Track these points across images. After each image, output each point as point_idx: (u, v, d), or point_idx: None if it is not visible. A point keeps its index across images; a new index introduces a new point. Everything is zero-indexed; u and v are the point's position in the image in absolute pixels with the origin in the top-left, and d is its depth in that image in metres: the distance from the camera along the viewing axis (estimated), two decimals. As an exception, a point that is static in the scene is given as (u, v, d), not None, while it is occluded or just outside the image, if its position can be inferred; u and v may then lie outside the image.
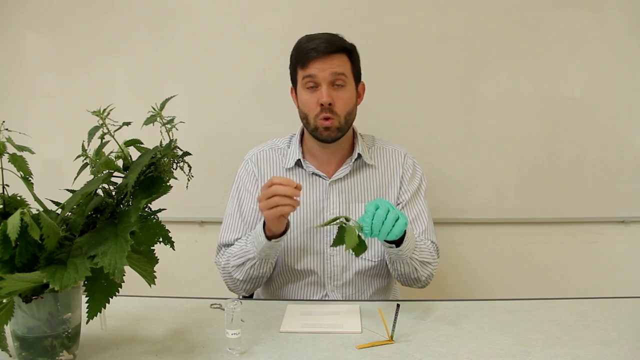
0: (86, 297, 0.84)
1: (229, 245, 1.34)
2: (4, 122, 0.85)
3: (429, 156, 1.82)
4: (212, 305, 1.19)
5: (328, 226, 1.33)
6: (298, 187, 1.12)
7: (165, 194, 0.89)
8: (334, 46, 1.28)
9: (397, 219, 1.08)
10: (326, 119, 1.27)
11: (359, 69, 1.36)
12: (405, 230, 1.13)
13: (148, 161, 0.90)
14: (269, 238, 1.19)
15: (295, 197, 1.12)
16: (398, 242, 1.18)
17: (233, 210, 1.38)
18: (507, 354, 0.95)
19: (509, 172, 1.91)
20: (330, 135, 1.29)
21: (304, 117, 1.33)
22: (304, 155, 1.38)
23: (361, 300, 1.34)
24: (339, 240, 1.07)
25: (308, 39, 1.30)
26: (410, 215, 1.36)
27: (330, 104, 1.26)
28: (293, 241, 1.34)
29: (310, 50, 1.27)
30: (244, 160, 1.43)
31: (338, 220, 1.07)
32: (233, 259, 1.28)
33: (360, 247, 1.05)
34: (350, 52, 1.31)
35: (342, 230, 1.07)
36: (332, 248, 1.33)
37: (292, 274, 1.37)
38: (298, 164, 1.37)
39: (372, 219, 1.06)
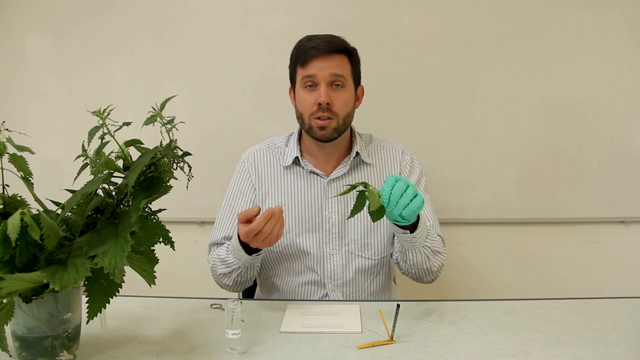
0: (86, 297, 0.84)
1: (217, 244, 1.35)
2: (4, 122, 0.85)
3: (429, 156, 1.82)
4: (212, 305, 1.19)
5: (328, 226, 1.33)
6: (280, 210, 1.11)
7: (165, 194, 0.89)
8: (335, 46, 1.28)
9: (416, 196, 1.07)
10: (323, 118, 1.27)
11: (358, 72, 1.36)
12: (418, 215, 1.12)
13: (148, 161, 0.90)
14: (248, 252, 1.19)
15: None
16: (411, 228, 1.17)
17: (225, 210, 1.38)
18: (507, 354, 0.95)
19: (509, 172, 1.91)
20: (326, 135, 1.29)
21: (299, 117, 1.33)
22: (302, 154, 1.38)
23: (361, 300, 1.34)
24: (357, 208, 1.04)
25: (309, 38, 1.31)
26: None
27: (328, 104, 1.26)
28: (292, 240, 1.34)
29: (311, 49, 1.27)
30: (240, 160, 1.43)
31: (357, 188, 1.04)
32: (220, 267, 1.28)
33: (379, 212, 1.02)
34: (350, 54, 1.32)
35: (362, 196, 1.04)
36: (332, 247, 1.34)
37: (292, 274, 1.37)
38: (296, 162, 1.37)
39: (392, 189, 1.05)
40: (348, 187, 1.04)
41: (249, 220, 1.11)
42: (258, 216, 1.10)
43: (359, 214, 1.05)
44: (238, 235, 1.17)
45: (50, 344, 0.87)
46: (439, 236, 1.34)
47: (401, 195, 1.05)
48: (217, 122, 1.91)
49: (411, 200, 1.05)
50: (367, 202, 1.03)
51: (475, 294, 1.99)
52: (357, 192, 1.05)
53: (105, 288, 0.84)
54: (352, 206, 1.33)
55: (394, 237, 1.34)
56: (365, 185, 1.04)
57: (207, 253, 1.38)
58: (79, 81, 1.91)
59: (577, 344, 0.99)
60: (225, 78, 1.88)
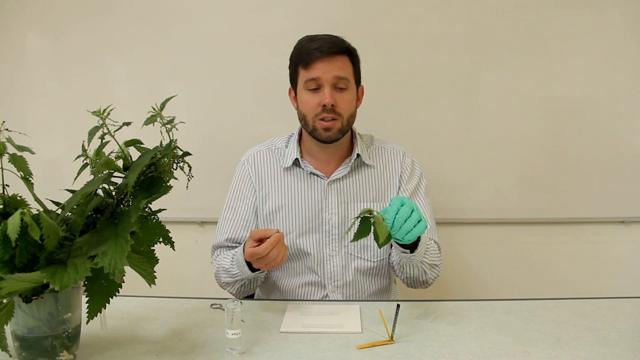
0: (86, 297, 0.85)
1: (220, 247, 1.35)
2: (4, 122, 0.85)
3: (429, 156, 1.82)
4: (212, 305, 1.19)
5: (328, 228, 1.33)
6: (280, 234, 1.11)
7: (165, 194, 0.89)
8: (337, 47, 1.27)
9: (420, 221, 1.05)
10: (327, 120, 1.27)
11: (359, 72, 1.36)
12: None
13: (148, 161, 0.90)
14: (252, 269, 1.19)
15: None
16: (411, 247, 1.16)
17: (226, 213, 1.38)
18: (507, 354, 0.95)
19: (509, 172, 1.91)
20: (331, 137, 1.29)
21: (302, 118, 1.33)
22: (302, 155, 1.38)
23: (361, 300, 1.34)
24: (362, 233, 1.02)
25: (310, 39, 1.30)
26: None
27: (333, 105, 1.26)
28: (293, 241, 1.34)
29: (314, 51, 1.26)
30: (240, 161, 1.43)
31: (362, 215, 1.01)
32: (223, 277, 1.28)
33: (386, 240, 1.01)
34: (352, 54, 1.31)
35: (366, 222, 1.01)
36: (331, 248, 1.33)
37: (292, 274, 1.37)
38: (296, 163, 1.37)
39: (396, 214, 1.03)
40: (354, 219, 1.02)
41: (261, 239, 1.12)
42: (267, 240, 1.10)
43: (355, 214, 1.04)
44: (243, 250, 1.17)
45: (50, 344, 0.87)
46: (435, 242, 1.34)
47: (405, 220, 1.03)
48: (217, 122, 1.91)
49: (414, 226, 1.04)
50: (373, 229, 1.01)
51: (475, 294, 1.99)
52: (364, 213, 1.02)
53: (105, 288, 0.84)
54: (351, 208, 1.34)
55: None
56: (370, 212, 1.01)
57: (210, 255, 1.38)
58: (79, 81, 1.91)
59: (577, 344, 0.99)
60: (225, 78, 1.88)
